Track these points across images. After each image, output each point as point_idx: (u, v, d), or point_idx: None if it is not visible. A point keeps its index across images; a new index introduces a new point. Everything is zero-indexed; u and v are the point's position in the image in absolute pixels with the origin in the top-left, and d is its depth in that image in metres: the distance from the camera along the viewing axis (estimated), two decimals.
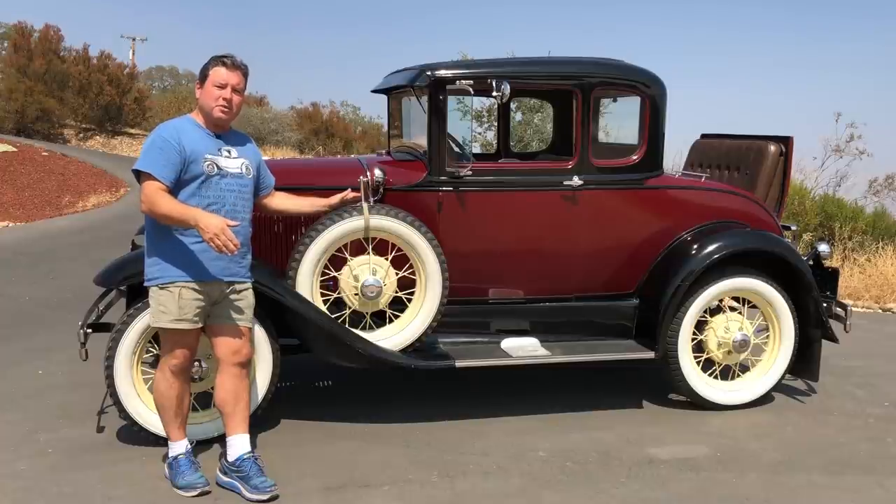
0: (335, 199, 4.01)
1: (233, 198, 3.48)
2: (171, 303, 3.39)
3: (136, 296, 3.90)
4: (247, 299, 3.58)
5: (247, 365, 3.61)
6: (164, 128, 3.45)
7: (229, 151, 3.51)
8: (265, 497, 3.38)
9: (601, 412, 4.57)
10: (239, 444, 3.52)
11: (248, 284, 3.60)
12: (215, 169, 3.42)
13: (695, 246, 4.50)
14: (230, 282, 3.50)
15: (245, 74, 3.53)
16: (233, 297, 3.52)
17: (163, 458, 3.62)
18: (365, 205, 4.00)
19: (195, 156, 3.38)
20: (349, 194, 4.02)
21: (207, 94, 3.45)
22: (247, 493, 3.41)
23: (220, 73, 3.44)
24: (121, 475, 3.59)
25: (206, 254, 3.40)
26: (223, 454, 3.58)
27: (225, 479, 3.51)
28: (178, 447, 3.53)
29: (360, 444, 4.01)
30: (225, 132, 3.56)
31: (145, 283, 3.48)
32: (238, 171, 3.51)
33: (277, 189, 3.89)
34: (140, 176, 3.36)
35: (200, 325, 3.49)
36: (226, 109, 3.45)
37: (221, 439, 3.87)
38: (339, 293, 4.10)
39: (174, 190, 3.38)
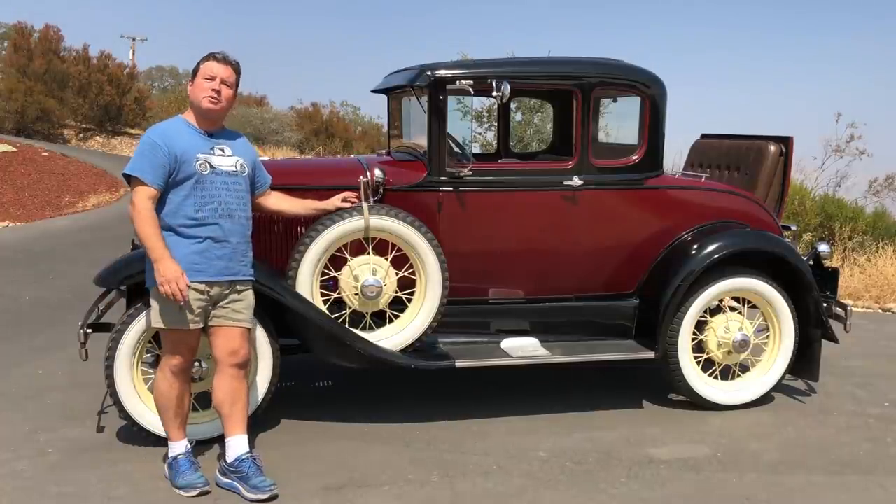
0: (332, 203, 4.02)
1: (227, 196, 3.47)
2: (172, 303, 3.38)
3: (136, 296, 3.90)
4: (247, 300, 3.58)
5: (245, 366, 3.61)
6: (154, 131, 3.46)
7: (223, 149, 3.51)
8: (265, 496, 3.38)
9: (601, 412, 4.57)
10: (237, 445, 3.51)
11: (249, 284, 3.60)
12: (208, 168, 3.42)
13: (695, 246, 4.50)
14: (231, 281, 3.50)
15: (236, 70, 3.55)
16: (232, 296, 3.52)
17: (163, 458, 3.62)
18: (365, 205, 4.01)
19: (186, 156, 3.38)
20: (347, 195, 4.04)
21: (197, 87, 3.47)
22: (246, 493, 3.40)
23: (210, 67, 3.48)
24: (121, 475, 3.59)
25: (206, 254, 3.41)
26: (222, 455, 3.58)
27: (224, 479, 3.51)
28: (178, 447, 3.53)
29: (360, 444, 4.01)
30: (218, 130, 3.56)
31: (147, 285, 3.47)
32: (232, 168, 3.51)
33: (278, 189, 3.90)
34: (130, 180, 3.38)
35: (202, 326, 3.48)
36: (214, 100, 3.45)
37: (221, 439, 3.87)
38: (339, 293, 4.10)
39: (168, 190, 3.38)
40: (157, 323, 3.45)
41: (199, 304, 3.42)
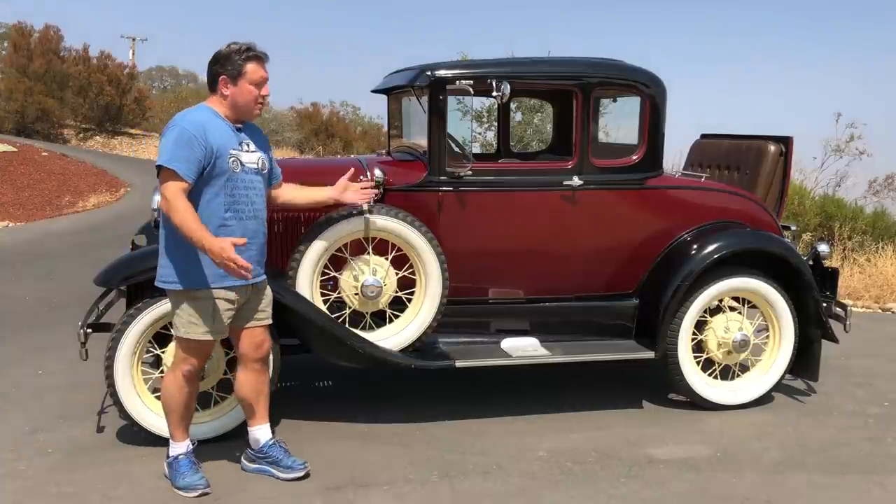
0: (339, 185, 3.84)
1: (254, 195, 3.41)
2: (205, 313, 3.32)
3: (136, 296, 3.90)
4: (267, 296, 3.58)
5: (267, 359, 3.66)
6: (189, 122, 3.24)
7: (248, 145, 3.42)
8: (301, 473, 3.55)
9: (601, 412, 4.57)
10: (262, 434, 3.63)
11: (266, 282, 3.58)
12: (239, 165, 3.33)
13: (695, 246, 4.50)
14: (255, 283, 3.48)
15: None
16: (255, 298, 3.51)
17: (165, 457, 3.61)
18: (365, 205, 4.00)
19: (221, 151, 3.27)
20: (350, 177, 3.88)
21: (245, 92, 3.32)
22: (281, 473, 3.55)
23: (257, 71, 3.34)
24: (121, 475, 3.59)
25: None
26: (246, 444, 3.67)
27: (253, 466, 3.62)
28: (180, 447, 3.52)
29: (360, 444, 4.01)
30: (243, 124, 3.46)
31: (172, 286, 3.34)
32: (255, 165, 3.42)
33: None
34: (161, 171, 3.20)
35: (227, 335, 3.48)
36: (263, 106, 3.43)
37: (222, 439, 3.88)
38: (339, 293, 4.10)
39: (199, 187, 3.25)
40: (187, 333, 3.34)
41: (228, 313, 3.40)
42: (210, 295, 3.31)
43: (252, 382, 3.59)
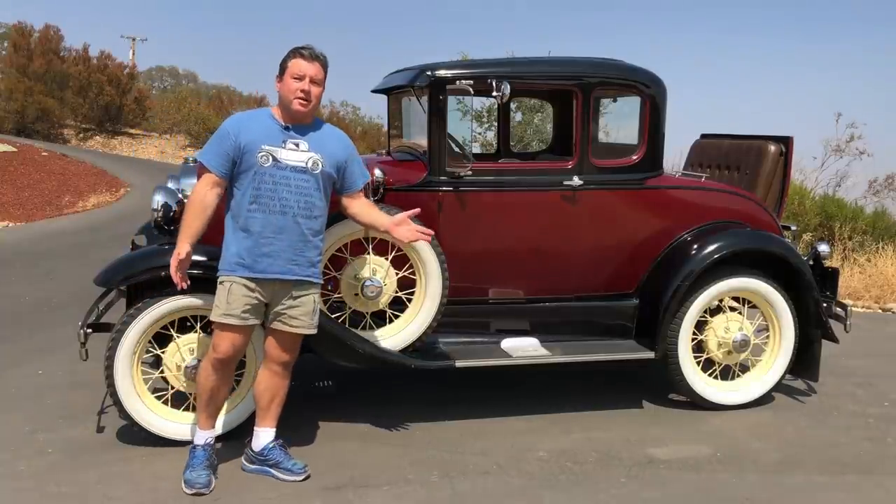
0: (397, 218, 3.68)
1: (286, 192, 3.39)
2: (222, 297, 3.42)
3: (136, 296, 3.90)
4: (305, 305, 3.52)
5: (290, 365, 3.66)
6: (231, 119, 3.50)
7: (297, 144, 3.43)
8: (300, 477, 3.55)
9: (601, 412, 4.57)
10: (265, 436, 3.65)
11: (308, 287, 3.53)
12: (270, 160, 3.36)
13: (695, 246, 4.50)
14: (283, 280, 3.45)
15: (324, 66, 3.48)
16: (289, 302, 3.49)
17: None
18: None
19: (251, 146, 3.36)
20: (410, 215, 3.75)
21: (286, 86, 3.41)
22: (281, 475, 3.56)
23: (298, 65, 3.41)
24: (121, 475, 3.59)
25: (254, 250, 3.39)
26: (248, 443, 3.68)
27: (252, 466, 3.63)
28: (200, 437, 3.57)
29: (360, 444, 4.01)
30: (302, 124, 3.48)
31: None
32: (301, 164, 3.41)
33: None
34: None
35: (251, 324, 3.48)
36: (304, 102, 3.40)
37: (225, 438, 3.87)
38: (338, 293, 4.10)
39: (235, 180, 3.43)
40: (213, 315, 3.47)
41: (247, 300, 3.41)
42: (228, 280, 3.43)
43: (268, 382, 3.63)
